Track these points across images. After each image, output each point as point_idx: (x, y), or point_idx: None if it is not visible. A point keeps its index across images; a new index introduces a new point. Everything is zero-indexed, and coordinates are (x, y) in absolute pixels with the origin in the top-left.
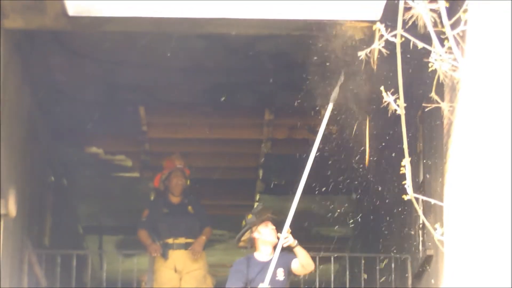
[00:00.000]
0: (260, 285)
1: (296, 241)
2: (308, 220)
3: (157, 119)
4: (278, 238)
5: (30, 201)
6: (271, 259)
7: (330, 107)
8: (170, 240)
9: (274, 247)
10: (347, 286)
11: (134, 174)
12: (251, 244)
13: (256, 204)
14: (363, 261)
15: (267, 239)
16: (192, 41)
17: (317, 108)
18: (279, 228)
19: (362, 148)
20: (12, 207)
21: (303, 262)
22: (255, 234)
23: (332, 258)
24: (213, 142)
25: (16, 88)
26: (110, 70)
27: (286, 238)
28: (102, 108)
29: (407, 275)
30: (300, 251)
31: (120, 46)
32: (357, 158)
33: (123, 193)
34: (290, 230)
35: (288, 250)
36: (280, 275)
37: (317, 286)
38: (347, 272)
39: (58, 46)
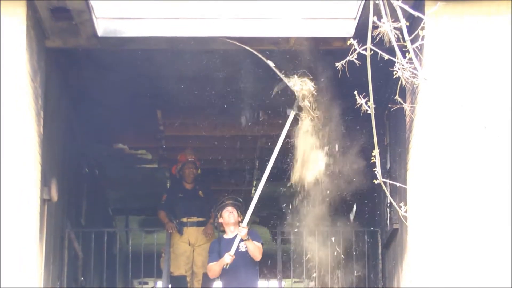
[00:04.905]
0: (226, 254)
1: (247, 236)
2: None
3: (171, 120)
4: (241, 219)
5: (69, 189)
6: (235, 236)
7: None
8: (184, 219)
9: (238, 224)
10: (329, 254)
11: (153, 165)
12: (222, 228)
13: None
14: (341, 234)
15: (227, 221)
16: (199, 56)
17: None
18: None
19: (346, 144)
20: (54, 193)
21: (251, 253)
22: (220, 220)
23: (316, 232)
24: (218, 138)
25: (56, 96)
26: (133, 80)
27: (243, 228)
28: (126, 111)
29: (377, 244)
30: (249, 244)
31: (141, 61)
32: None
33: (145, 181)
34: (248, 227)
35: (250, 229)
36: (243, 247)
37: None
38: (329, 243)
39: (90, 62)
